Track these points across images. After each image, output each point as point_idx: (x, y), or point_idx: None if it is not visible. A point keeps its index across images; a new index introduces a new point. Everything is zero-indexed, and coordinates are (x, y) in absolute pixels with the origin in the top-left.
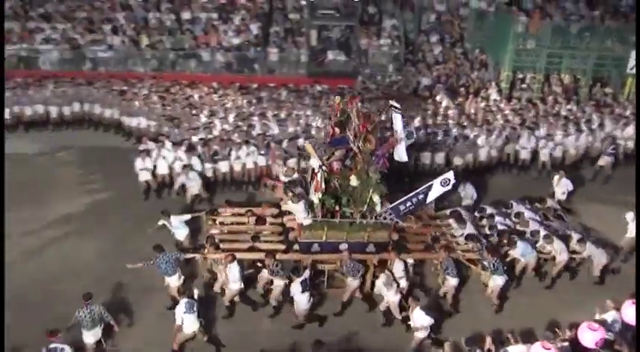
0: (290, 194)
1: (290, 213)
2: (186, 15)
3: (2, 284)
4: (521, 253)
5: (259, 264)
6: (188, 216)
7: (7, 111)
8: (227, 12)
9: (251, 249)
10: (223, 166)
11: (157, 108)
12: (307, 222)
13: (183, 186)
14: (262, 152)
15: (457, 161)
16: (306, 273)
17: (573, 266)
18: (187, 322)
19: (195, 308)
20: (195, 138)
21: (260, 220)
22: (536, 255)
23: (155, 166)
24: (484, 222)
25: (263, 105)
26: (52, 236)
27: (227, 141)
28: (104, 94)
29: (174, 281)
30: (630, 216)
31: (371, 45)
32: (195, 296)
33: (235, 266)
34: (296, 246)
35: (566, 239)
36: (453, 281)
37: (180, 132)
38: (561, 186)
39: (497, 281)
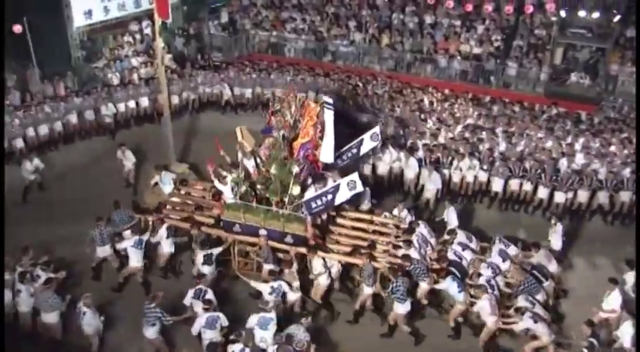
0: (220, 175)
1: None
2: (428, 19)
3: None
4: (445, 288)
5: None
6: (173, 175)
7: (249, 91)
8: (471, 20)
9: (185, 219)
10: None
11: (386, 107)
12: (229, 201)
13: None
14: (485, 167)
15: None
16: (217, 250)
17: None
18: (133, 256)
19: (142, 246)
20: (419, 143)
21: (216, 196)
22: (464, 301)
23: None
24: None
25: (493, 119)
26: None
27: (451, 150)
28: (338, 87)
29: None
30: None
31: (622, 71)
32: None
33: (164, 230)
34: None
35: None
36: (367, 290)
37: (406, 134)
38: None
39: (395, 308)
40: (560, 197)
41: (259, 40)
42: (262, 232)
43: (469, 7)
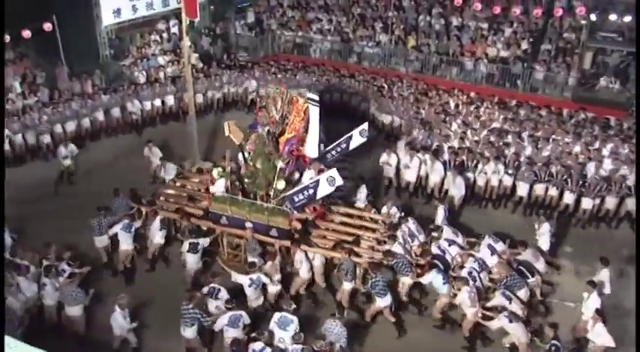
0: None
1: None
2: (455, 21)
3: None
4: (429, 281)
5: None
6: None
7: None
8: (498, 23)
9: (177, 210)
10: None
11: (411, 109)
12: (217, 194)
13: None
14: (510, 171)
15: None
16: (204, 240)
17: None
18: (122, 239)
19: (131, 230)
20: (445, 146)
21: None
22: (449, 293)
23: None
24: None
25: (520, 123)
26: None
27: (476, 153)
28: (363, 88)
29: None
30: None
31: None
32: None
33: (157, 222)
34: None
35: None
36: (346, 286)
37: (431, 136)
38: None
39: (376, 302)
40: (587, 203)
41: (285, 41)
42: (248, 225)
43: (497, 10)
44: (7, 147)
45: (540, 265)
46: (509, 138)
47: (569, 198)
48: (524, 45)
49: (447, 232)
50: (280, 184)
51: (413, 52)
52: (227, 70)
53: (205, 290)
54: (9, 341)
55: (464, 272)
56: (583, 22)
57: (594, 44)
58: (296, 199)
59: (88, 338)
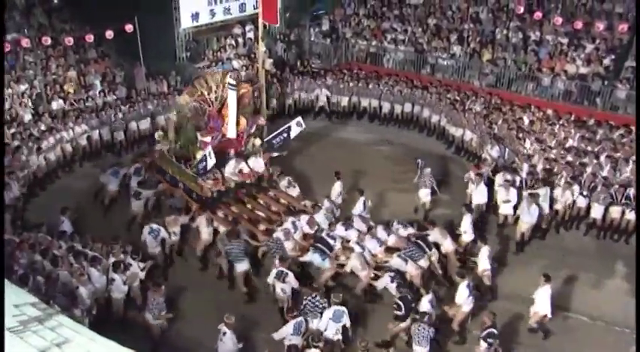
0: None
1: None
2: (534, 35)
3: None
4: (308, 260)
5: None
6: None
7: (345, 99)
8: (579, 38)
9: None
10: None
11: (483, 123)
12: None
13: None
14: (584, 193)
15: None
16: (144, 189)
17: None
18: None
19: (117, 176)
20: (525, 166)
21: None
22: (332, 266)
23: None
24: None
25: (597, 143)
26: None
27: (552, 174)
28: (436, 100)
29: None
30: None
31: None
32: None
33: (203, 220)
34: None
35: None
36: (241, 268)
37: (503, 152)
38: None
39: (236, 268)
40: None
41: (359, 49)
42: (181, 185)
43: (578, 25)
44: (84, 142)
45: (447, 242)
46: (587, 159)
47: None
48: (606, 62)
49: (358, 222)
50: (257, 141)
51: (488, 66)
52: (299, 76)
53: (274, 273)
54: (79, 328)
55: (352, 243)
56: None
57: None
58: (275, 141)
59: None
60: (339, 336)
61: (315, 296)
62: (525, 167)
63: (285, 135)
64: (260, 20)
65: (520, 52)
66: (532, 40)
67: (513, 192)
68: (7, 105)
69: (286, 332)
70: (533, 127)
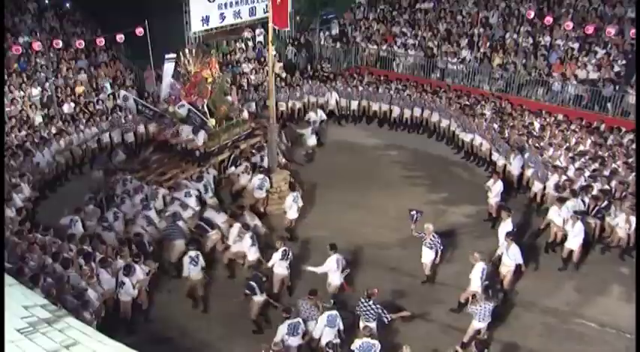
0: None
1: None
2: (544, 40)
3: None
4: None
5: None
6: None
7: (354, 103)
8: (590, 43)
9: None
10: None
11: (493, 128)
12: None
13: None
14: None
15: None
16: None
17: None
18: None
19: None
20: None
21: None
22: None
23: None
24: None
25: (608, 148)
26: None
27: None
28: (446, 105)
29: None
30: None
31: None
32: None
33: (279, 253)
34: None
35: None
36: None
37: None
38: None
39: None
40: None
41: (368, 53)
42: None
43: (589, 30)
44: (94, 145)
45: (220, 218)
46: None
47: None
48: (617, 67)
49: (210, 212)
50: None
51: (498, 70)
52: (309, 79)
53: (280, 252)
54: (88, 330)
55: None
56: None
57: None
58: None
59: (161, 336)
60: (339, 340)
61: (369, 301)
62: (554, 178)
63: (198, 119)
64: (270, 24)
65: (530, 56)
66: (542, 45)
67: (579, 225)
68: (18, 108)
69: (281, 333)
70: (544, 133)
